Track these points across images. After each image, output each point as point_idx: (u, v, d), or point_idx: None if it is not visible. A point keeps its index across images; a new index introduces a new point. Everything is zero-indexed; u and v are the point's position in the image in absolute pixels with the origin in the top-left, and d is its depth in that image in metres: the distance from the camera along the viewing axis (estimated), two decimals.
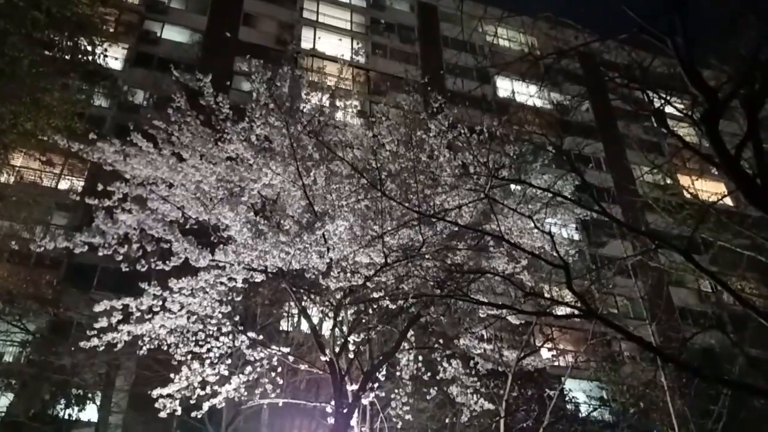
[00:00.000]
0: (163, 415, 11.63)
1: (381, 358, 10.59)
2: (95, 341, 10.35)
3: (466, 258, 8.57)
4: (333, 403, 9.64)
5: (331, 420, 9.89)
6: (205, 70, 9.47)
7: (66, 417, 20.63)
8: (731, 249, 11.32)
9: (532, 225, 7.77)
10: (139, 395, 19.74)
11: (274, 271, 8.83)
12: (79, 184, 27.41)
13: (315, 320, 10.77)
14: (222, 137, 8.59)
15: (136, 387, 20.46)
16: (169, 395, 11.49)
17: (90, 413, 21.30)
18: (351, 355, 9.81)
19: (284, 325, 24.83)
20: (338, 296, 8.90)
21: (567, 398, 22.65)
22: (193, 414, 11.95)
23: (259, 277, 9.78)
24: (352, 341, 9.72)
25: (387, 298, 8.07)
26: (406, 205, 7.29)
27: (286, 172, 8.10)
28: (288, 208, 8.49)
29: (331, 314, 10.11)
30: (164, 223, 8.32)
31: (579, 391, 26.19)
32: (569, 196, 9.99)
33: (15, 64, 10.71)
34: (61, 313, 19.06)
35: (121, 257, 8.46)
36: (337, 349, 9.38)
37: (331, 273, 8.33)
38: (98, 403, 20.94)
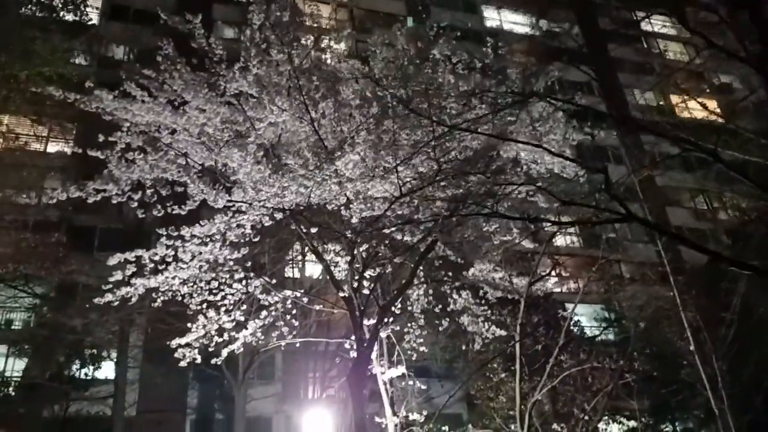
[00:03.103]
0: (183, 364, 11.76)
1: (395, 292, 10.67)
2: (109, 297, 10.33)
3: (481, 184, 8.48)
4: (353, 338, 9.76)
5: (350, 356, 10.01)
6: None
7: (82, 377, 20.98)
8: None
9: (543, 148, 7.71)
10: (153, 349, 20.05)
11: (292, 207, 8.70)
12: (67, 148, 27.01)
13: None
14: (221, 77, 8.31)
15: (150, 341, 20.75)
16: (187, 345, 11.60)
17: (106, 371, 21.65)
18: (366, 291, 9.86)
19: (289, 272, 25.04)
20: (357, 228, 8.84)
21: (573, 322, 23.07)
22: (213, 361, 12.07)
23: (268, 222, 9.73)
24: (368, 275, 9.76)
25: (408, 223, 7.97)
26: (434, 118, 7.09)
27: (291, 107, 7.89)
28: (297, 145, 8.30)
29: (342, 253, 10.12)
30: (178, 164, 8.15)
31: (582, 316, 26.74)
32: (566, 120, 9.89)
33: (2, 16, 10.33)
34: (67, 276, 19.06)
35: (135, 204, 8.32)
36: (355, 284, 9.41)
37: (351, 205, 8.24)
38: (114, 360, 21.23)
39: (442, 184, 7.80)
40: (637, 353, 15.71)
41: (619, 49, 46.17)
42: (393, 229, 9.02)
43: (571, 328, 23.05)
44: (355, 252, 9.42)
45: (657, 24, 50.81)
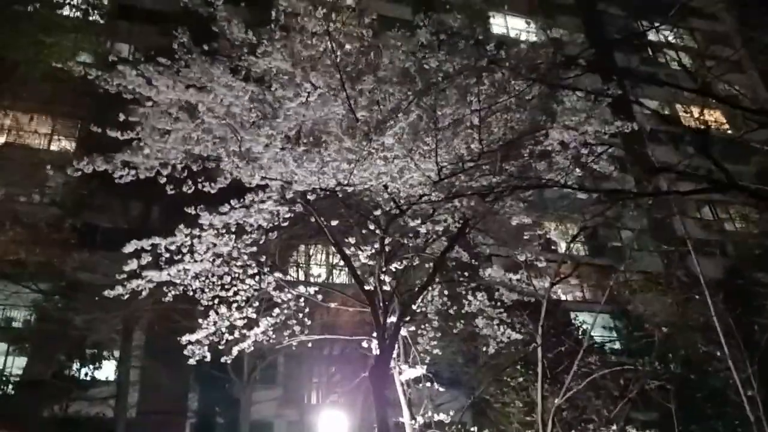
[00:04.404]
0: (192, 361, 11.44)
1: (417, 288, 10.34)
2: (119, 289, 10.00)
3: (522, 168, 8.18)
4: (374, 335, 9.42)
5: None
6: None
7: (82, 377, 20.60)
8: None
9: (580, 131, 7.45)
10: (156, 349, 19.70)
11: (332, 188, 8.34)
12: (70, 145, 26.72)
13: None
14: (247, 56, 7.96)
15: (152, 341, 20.39)
16: (197, 341, 11.28)
17: (106, 371, 21.25)
18: (387, 287, 9.54)
19: (293, 274, 24.71)
20: (391, 213, 8.54)
21: (581, 330, 22.78)
22: (222, 359, 11.74)
23: (287, 213, 9.43)
24: (393, 269, 9.45)
25: (456, 197, 7.59)
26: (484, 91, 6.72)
27: (326, 85, 7.54)
28: (329, 126, 7.95)
29: (364, 247, 9.81)
30: (214, 136, 7.79)
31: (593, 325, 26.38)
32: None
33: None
34: (72, 272, 18.75)
35: (164, 179, 7.96)
36: (383, 277, 9.09)
37: (390, 185, 7.90)
38: (116, 360, 20.85)
39: (485, 167, 7.49)
40: (660, 359, 15.40)
41: (626, 57, 46.08)
42: (418, 221, 8.74)
43: (580, 336, 22.77)
44: (386, 240, 9.08)
45: (664, 34, 50.74)
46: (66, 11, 19.35)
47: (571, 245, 13.40)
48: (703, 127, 5.32)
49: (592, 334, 26.08)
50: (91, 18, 22.85)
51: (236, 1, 9.25)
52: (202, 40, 8.73)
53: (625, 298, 22.63)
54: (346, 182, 7.97)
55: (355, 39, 8.17)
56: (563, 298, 27.70)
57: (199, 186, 8.04)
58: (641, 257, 33.64)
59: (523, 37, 9.61)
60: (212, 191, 8.16)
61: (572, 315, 24.11)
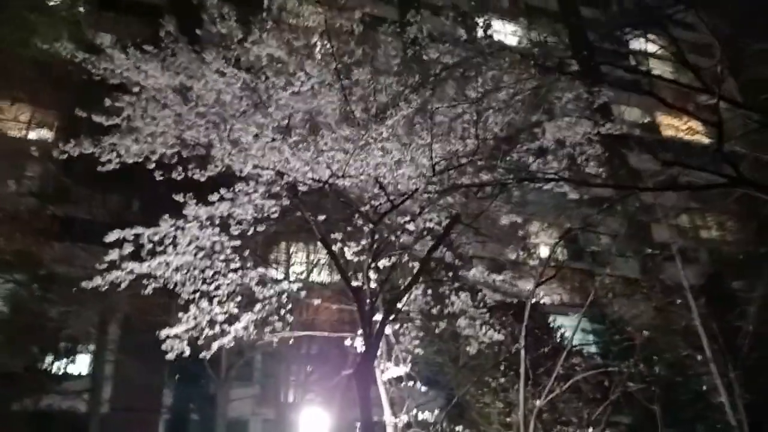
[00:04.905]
0: (170, 356, 11.22)
1: (403, 287, 10.26)
2: (98, 280, 9.77)
3: (516, 166, 8.12)
4: (359, 332, 9.32)
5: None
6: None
7: (55, 371, 20.21)
8: None
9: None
10: (131, 344, 19.35)
11: (325, 180, 8.19)
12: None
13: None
14: (239, 44, 7.79)
15: (127, 335, 20.04)
16: (177, 336, 11.07)
17: (80, 366, 20.87)
18: (374, 284, 9.43)
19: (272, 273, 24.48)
20: (382, 210, 8.43)
21: (560, 333, 22.89)
22: (201, 355, 11.54)
23: (273, 207, 9.28)
24: (382, 266, 9.35)
25: (457, 188, 7.48)
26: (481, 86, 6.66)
27: (321, 74, 7.41)
28: (323, 117, 7.82)
29: (350, 244, 9.70)
30: (207, 120, 7.59)
31: (570, 327, 26.52)
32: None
33: None
34: (48, 265, 18.35)
35: (153, 164, 7.75)
36: (373, 274, 8.98)
37: (384, 180, 7.79)
38: (90, 354, 20.47)
39: (480, 163, 7.42)
40: (644, 362, 15.50)
41: (608, 65, 46.52)
42: (407, 217, 8.65)
43: (558, 339, 22.85)
44: (379, 235, 8.97)
45: (645, 43, 51.41)
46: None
47: (555, 248, 13.42)
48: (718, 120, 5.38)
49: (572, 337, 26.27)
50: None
51: None
52: (189, 31, 8.57)
53: (604, 302, 22.77)
54: (341, 173, 7.84)
55: (346, 33, 8.07)
56: (542, 301, 27.78)
57: (189, 173, 7.85)
58: (625, 262, 34.04)
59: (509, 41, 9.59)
60: (201, 179, 7.97)
61: (551, 318, 24.19)
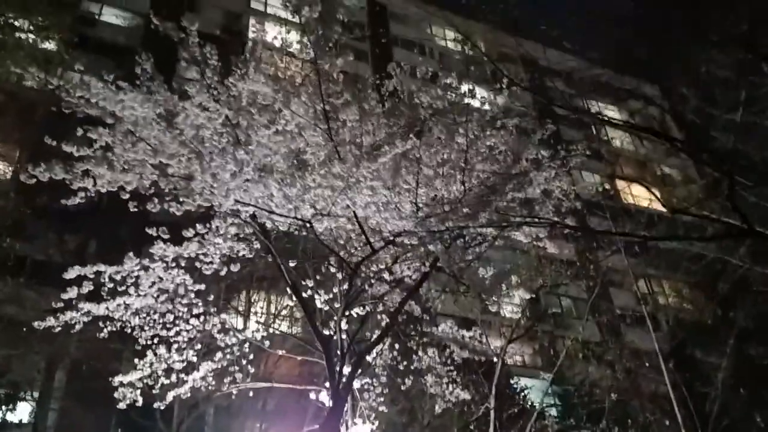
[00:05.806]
0: (122, 405, 10.57)
1: (372, 340, 9.93)
2: (51, 321, 9.21)
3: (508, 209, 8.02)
4: (326, 385, 8.91)
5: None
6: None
7: None
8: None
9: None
10: (78, 390, 18.29)
11: (308, 219, 7.88)
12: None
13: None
14: (222, 84, 7.60)
15: (75, 381, 18.96)
16: (130, 383, 10.45)
17: (21, 413, 19.57)
18: (344, 336, 9.08)
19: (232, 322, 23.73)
20: (357, 260, 8.18)
21: (523, 394, 22.62)
22: (155, 405, 10.91)
23: (244, 251, 8.98)
24: (355, 314, 9.03)
25: (462, 228, 7.27)
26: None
27: (308, 113, 7.22)
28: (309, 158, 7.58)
29: (321, 291, 9.40)
30: (191, 149, 7.24)
31: (532, 388, 26.32)
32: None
33: None
34: None
35: (128, 195, 7.36)
36: (343, 324, 8.64)
37: (375, 217, 7.53)
38: (33, 401, 19.25)
39: (465, 210, 7.30)
40: (616, 424, 15.34)
41: (570, 132, 48.15)
42: (383, 266, 8.45)
43: (521, 401, 22.52)
44: (354, 282, 8.67)
45: (606, 112, 53.49)
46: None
47: (527, 306, 13.36)
48: (728, 168, 5.49)
49: (535, 399, 26.03)
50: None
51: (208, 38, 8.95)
52: (167, 69, 8.41)
53: (567, 365, 22.68)
54: (326, 212, 7.60)
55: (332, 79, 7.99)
56: (508, 361, 27.62)
57: (165, 206, 7.49)
58: (584, 326, 34.24)
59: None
60: (178, 213, 7.61)
61: (514, 379, 24.00)
